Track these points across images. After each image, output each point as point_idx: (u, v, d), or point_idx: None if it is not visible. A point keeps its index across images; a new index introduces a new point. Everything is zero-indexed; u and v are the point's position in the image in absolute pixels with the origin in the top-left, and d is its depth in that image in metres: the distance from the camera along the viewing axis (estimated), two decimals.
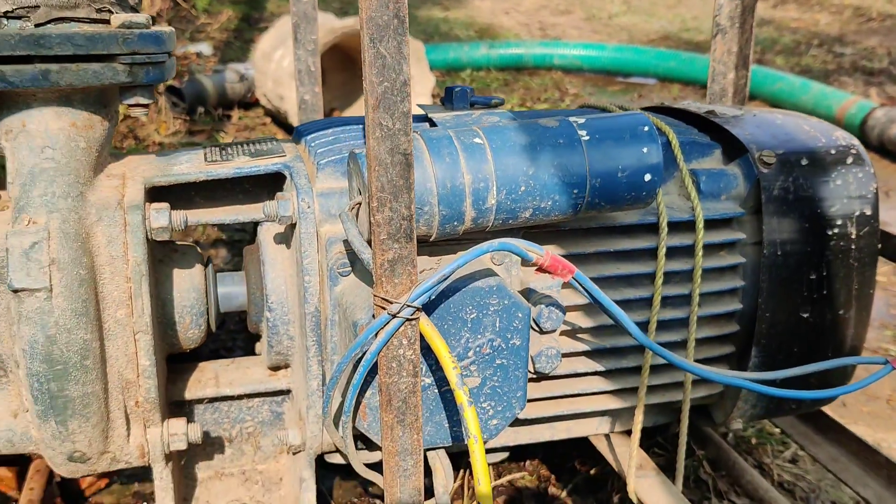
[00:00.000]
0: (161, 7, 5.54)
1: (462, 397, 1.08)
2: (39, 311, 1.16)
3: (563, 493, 1.90)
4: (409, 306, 1.04)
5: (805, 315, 1.46)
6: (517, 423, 1.50)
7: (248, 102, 4.88)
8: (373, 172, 1.00)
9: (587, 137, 1.22)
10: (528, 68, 5.80)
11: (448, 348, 1.08)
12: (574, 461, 2.03)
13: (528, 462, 2.03)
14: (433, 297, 1.09)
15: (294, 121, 4.14)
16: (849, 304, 1.48)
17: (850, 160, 1.47)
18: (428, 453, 1.33)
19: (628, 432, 1.61)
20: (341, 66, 4.46)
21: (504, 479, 1.94)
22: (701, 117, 1.56)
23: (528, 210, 1.20)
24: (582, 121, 1.24)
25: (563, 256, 1.37)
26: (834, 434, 1.77)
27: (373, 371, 1.13)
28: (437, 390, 1.21)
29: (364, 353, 1.09)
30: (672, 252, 1.41)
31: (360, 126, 1.45)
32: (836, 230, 1.45)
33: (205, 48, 5.68)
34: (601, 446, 1.61)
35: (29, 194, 1.19)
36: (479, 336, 1.21)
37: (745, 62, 1.91)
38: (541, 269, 1.15)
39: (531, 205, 1.19)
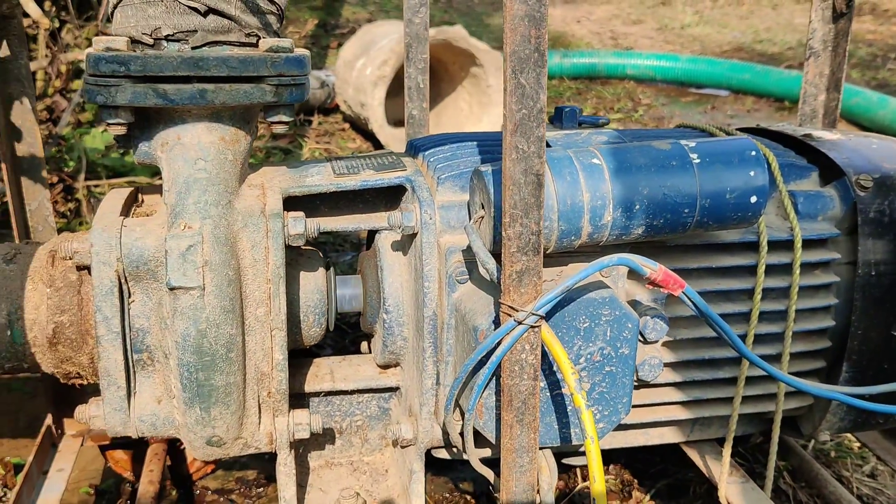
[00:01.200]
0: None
1: (581, 401, 1.16)
2: (193, 307, 1.28)
3: (647, 498, 1.98)
4: (533, 314, 1.14)
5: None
6: (616, 427, 1.58)
7: (328, 108, 5.03)
8: (507, 191, 1.10)
9: (698, 160, 1.29)
10: (601, 78, 5.85)
11: (566, 355, 1.18)
12: (657, 466, 2.10)
13: (611, 466, 2.10)
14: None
15: (375, 127, 4.27)
16: None
17: None
18: (540, 452, 1.42)
19: (718, 440, 1.67)
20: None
21: (587, 483, 2.02)
22: (798, 140, 1.62)
23: (641, 227, 1.28)
24: (693, 144, 1.32)
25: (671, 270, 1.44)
26: None
27: (494, 373, 1.23)
28: (548, 393, 1.30)
29: (488, 356, 1.19)
30: (770, 269, 1.48)
31: (475, 143, 1.55)
32: None
33: None
34: (692, 453, 1.68)
35: (184, 201, 1.32)
36: (591, 344, 1.30)
37: (837, 85, 1.96)
38: (653, 283, 1.23)
39: (644, 222, 1.28)
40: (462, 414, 1.35)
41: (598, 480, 1.16)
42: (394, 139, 4.31)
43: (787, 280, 1.48)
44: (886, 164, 1.53)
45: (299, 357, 1.67)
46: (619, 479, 2.06)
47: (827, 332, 1.54)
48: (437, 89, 4.76)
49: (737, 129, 1.75)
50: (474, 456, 1.35)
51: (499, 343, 1.16)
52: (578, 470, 2.02)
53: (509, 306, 1.15)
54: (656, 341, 1.42)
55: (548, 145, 1.46)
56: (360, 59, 4.41)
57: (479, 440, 1.45)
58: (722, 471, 1.54)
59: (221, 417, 1.35)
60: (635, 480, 2.06)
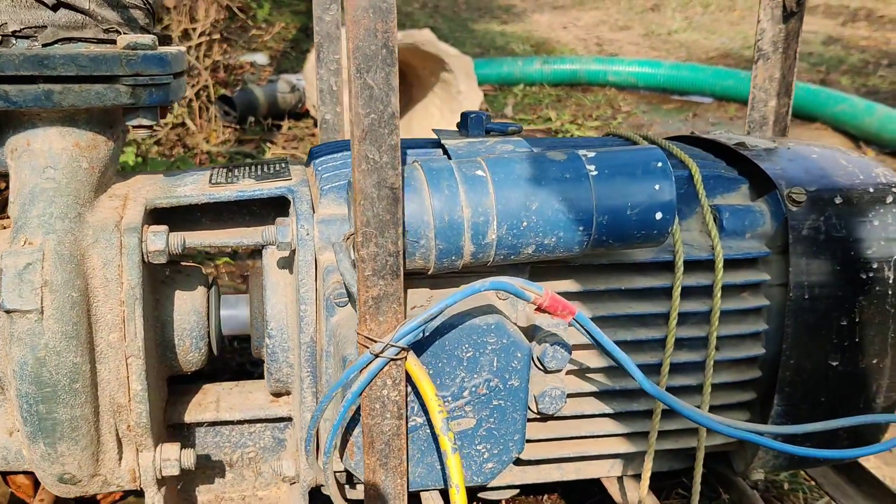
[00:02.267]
0: (216, 17, 5.62)
1: (447, 444, 1.03)
2: (30, 332, 1.15)
3: None
4: (393, 346, 1.00)
5: (834, 363, 1.37)
6: (523, 462, 1.44)
7: (299, 113, 4.92)
8: (358, 206, 0.96)
9: (595, 172, 1.16)
10: (582, 84, 5.72)
11: (434, 390, 1.04)
12: (595, 497, 1.96)
13: (546, 496, 1.96)
14: (422, 336, 1.05)
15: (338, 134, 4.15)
16: (884, 353, 1.39)
17: (890, 199, 1.38)
18: (422, 494, 1.28)
19: (655, 475, 1.53)
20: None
21: None
22: (730, 149, 1.48)
23: (531, 246, 1.14)
24: (592, 154, 1.18)
25: (575, 293, 1.31)
26: (868, 487, 1.66)
27: (359, 409, 1.09)
28: (429, 430, 1.17)
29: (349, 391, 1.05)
30: (690, 292, 1.34)
31: None
32: (871, 273, 1.35)
33: (260, 58, 5.75)
34: (612, 489, 1.53)
35: (27, 214, 1.19)
36: (476, 375, 1.16)
37: (788, 90, 1.82)
38: (540, 309, 1.10)
39: (534, 241, 1.14)
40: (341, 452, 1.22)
41: None
42: None
43: (708, 304, 1.34)
44: (824, 177, 1.39)
45: (193, 381, 1.54)
46: None
47: (757, 360, 1.40)
48: (408, 95, 4.63)
49: (667, 138, 1.61)
50: (339, 498, 1.21)
51: (359, 376, 1.03)
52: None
53: (366, 336, 1.01)
54: (558, 370, 1.28)
55: (448, 155, 1.32)
56: None
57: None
58: None
59: (70, 454, 1.22)
60: None
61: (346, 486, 1.29)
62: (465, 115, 1.42)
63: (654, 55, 6.43)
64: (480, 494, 1.55)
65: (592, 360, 1.34)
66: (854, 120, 4.76)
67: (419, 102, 4.67)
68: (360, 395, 1.02)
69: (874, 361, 1.38)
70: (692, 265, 1.33)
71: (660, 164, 1.18)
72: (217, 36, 5.40)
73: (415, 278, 1.17)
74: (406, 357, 1.02)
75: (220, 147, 4.39)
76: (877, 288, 1.36)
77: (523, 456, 1.38)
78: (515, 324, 1.27)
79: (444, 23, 7.22)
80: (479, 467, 1.21)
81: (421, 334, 1.03)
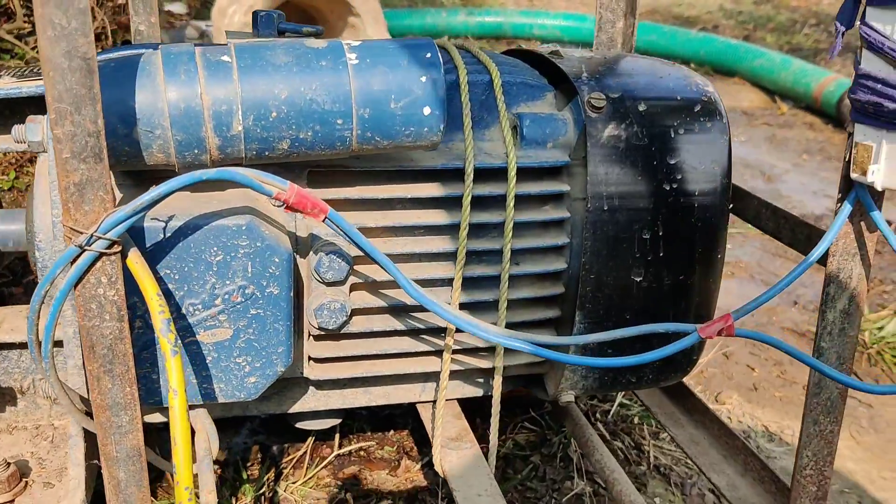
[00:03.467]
0: None
1: (166, 346, 0.95)
2: None
3: (417, 466, 1.78)
4: (101, 238, 0.92)
5: (637, 279, 1.31)
6: (325, 385, 1.37)
7: None
8: (48, 80, 0.87)
9: (356, 61, 1.07)
10: (508, 38, 5.63)
11: (157, 289, 0.96)
12: None
13: (393, 432, 1.90)
14: (161, 237, 0.97)
15: None
16: (691, 269, 1.34)
17: (698, 108, 1.32)
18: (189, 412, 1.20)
19: (471, 400, 1.47)
20: (303, 21, 4.32)
21: (354, 446, 1.81)
22: (545, 58, 1.41)
23: (286, 140, 1.06)
24: (356, 43, 1.10)
25: (357, 201, 1.23)
26: (699, 415, 1.62)
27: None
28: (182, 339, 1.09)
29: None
30: (484, 202, 1.27)
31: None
32: (675, 185, 1.30)
33: (178, 7, 5.56)
34: (425, 415, 1.48)
35: None
36: (228, 282, 1.08)
37: (633, 9, 1.75)
38: (289, 207, 1.02)
39: (287, 134, 1.06)
40: None
41: (182, 448, 0.95)
42: None
43: (504, 214, 1.27)
44: (632, 84, 1.33)
45: None
46: (397, 447, 1.86)
47: (561, 275, 1.34)
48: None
49: (502, 52, 1.53)
50: (76, 411, 1.13)
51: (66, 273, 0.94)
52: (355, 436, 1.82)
53: (71, 228, 0.92)
54: (338, 282, 1.21)
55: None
56: (232, 5, 4.14)
57: None
58: (435, 434, 1.34)
59: None
60: (416, 448, 1.86)
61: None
62: (255, 14, 1.32)
63: (585, 11, 6.35)
64: (299, 425, 1.48)
65: (383, 273, 1.27)
66: (770, 74, 4.75)
67: None
68: (70, 293, 0.94)
69: (681, 277, 1.33)
70: (486, 173, 1.26)
71: (428, 55, 1.10)
72: None
73: (164, 175, 1.08)
74: (122, 252, 0.94)
75: None
76: (682, 200, 1.30)
77: (318, 377, 1.31)
78: (294, 233, 1.19)
79: None
80: (241, 381, 1.14)
81: (131, 226, 0.94)
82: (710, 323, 1.13)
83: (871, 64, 1.01)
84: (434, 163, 1.24)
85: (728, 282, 2.77)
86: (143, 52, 1.05)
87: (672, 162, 1.30)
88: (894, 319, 2.48)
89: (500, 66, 1.35)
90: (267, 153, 1.07)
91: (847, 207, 1.12)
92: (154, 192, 0.93)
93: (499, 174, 1.27)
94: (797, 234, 1.37)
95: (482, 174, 1.26)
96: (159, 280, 1.04)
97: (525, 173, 1.27)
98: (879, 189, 1.05)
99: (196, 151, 1.04)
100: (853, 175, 1.07)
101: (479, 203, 1.26)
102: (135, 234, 1.01)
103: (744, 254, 3.01)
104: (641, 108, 1.29)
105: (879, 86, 1.00)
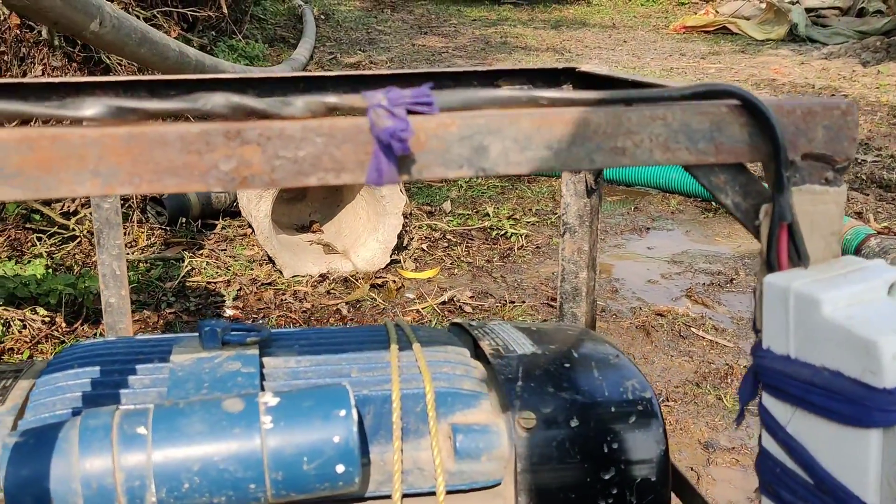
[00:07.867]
0: None
1: None
2: None
3: None
4: None
5: None
6: None
7: (235, 211, 4.92)
8: None
9: (270, 425, 1.11)
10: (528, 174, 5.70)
11: None
12: None
13: None
14: None
15: (261, 239, 4.14)
16: None
17: (633, 419, 1.32)
18: None
19: None
20: None
21: None
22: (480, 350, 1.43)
23: None
24: (273, 403, 1.13)
25: None
26: None
27: None
28: None
29: None
30: None
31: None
32: (610, 500, 1.29)
33: None
34: None
35: None
36: None
37: (594, 263, 1.78)
38: None
39: (200, 501, 1.09)
40: None
41: None
42: (282, 247, 4.18)
43: None
44: (567, 395, 1.34)
45: None
46: None
47: None
48: (339, 196, 4.65)
49: (449, 325, 1.56)
50: None
51: None
52: None
53: None
54: None
55: (178, 381, 1.28)
56: None
57: None
58: None
59: None
60: None
61: None
62: (201, 325, 1.38)
63: None
64: None
65: None
66: None
67: (348, 205, 4.70)
68: None
69: None
70: (416, 496, 1.27)
71: (342, 413, 1.13)
72: None
73: None
74: None
75: (140, 254, 4.39)
76: None
77: None
78: None
79: None
80: None
81: None
82: None
83: (770, 445, 1.00)
84: (360, 491, 1.25)
85: None
86: (63, 424, 1.10)
87: (606, 477, 1.29)
88: None
89: (436, 373, 1.37)
90: None
91: None
92: None
93: (428, 497, 1.28)
94: None
95: (411, 498, 1.27)
96: None
97: (454, 494, 1.28)
98: None
99: None
100: None
101: None
102: None
103: None
104: (574, 423, 1.30)
105: (778, 469, 0.99)
